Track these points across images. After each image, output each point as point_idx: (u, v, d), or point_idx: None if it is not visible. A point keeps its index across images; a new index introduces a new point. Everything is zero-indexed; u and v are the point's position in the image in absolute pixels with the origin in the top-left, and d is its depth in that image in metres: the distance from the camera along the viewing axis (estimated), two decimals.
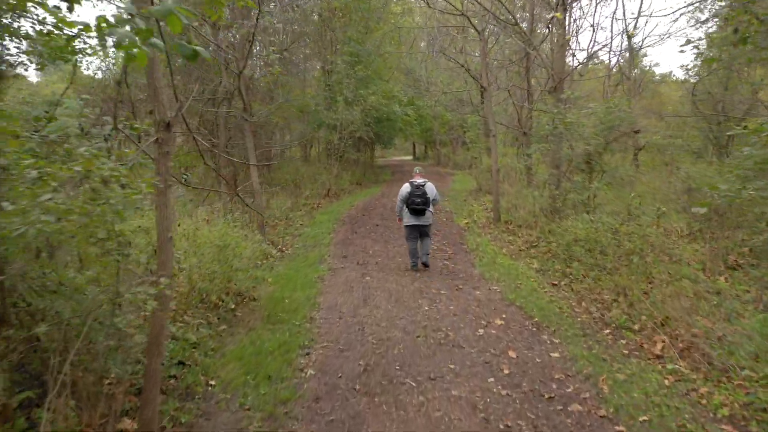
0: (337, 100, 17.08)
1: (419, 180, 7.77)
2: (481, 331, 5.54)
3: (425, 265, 8.00)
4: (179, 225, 6.35)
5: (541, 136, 18.76)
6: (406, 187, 7.74)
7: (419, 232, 7.87)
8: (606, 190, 8.61)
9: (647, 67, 26.03)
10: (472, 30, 12.48)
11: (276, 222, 11.62)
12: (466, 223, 11.99)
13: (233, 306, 6.08)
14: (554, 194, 9.31)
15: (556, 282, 7.42)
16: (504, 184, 15.68)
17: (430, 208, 7.74)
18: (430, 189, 7.74)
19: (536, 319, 5.92)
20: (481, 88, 11.79)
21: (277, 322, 5.76)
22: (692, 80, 16.31)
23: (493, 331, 5.53)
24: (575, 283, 7.25)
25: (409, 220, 7.74)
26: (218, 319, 5.75)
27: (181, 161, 15.72)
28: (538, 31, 15.02)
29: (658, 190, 9.78)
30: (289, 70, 18.24)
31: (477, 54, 16.54)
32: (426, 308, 6.20)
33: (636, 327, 5.63)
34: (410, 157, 47.64)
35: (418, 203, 7.54)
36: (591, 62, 16.61)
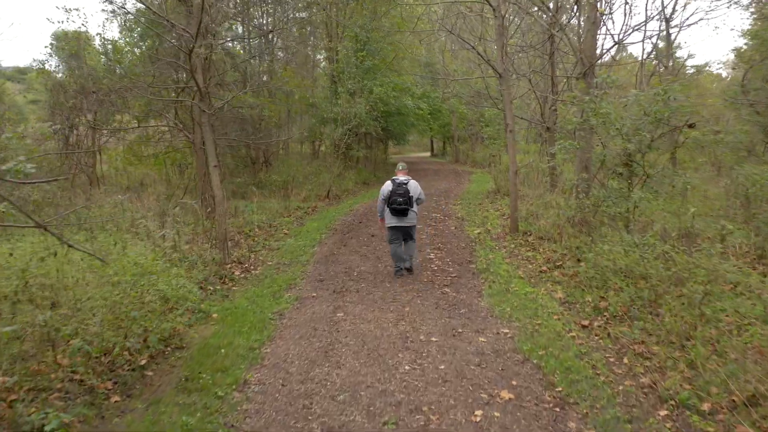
0: (338, 92, 15.45)
1: (402, 177, 7.19)
2: (480, 412, 3.81)
3: (409, 270, 7.44)
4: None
5: (567, 132, 16.86)
6: (387, 186, 7.15)
7: (402, 234, 7.23)
8: (651, 200, 6.79)
9: (682, 59, 23.74)
10: (490, 15, 10.77)
11: (254, 232, 10.01)
12: (479, 233, 10.23)
13: (144, 362, 4.47)
14: (583, 204, 7.52)
15: (587, 322, 5.65)
16: (524, 187, 13.87)
17: (414, 208, 7.14)
18: (414, 187, 7.13)
19: (560, 389, 4.18)
20: (498, 75, 10.00)
21: (195, 390, 4.12)
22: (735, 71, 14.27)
23: (497, 414, 3.80)
24: (613, 323, 5.49)
25: (390, 221, 7.13)
26: (115, 383, 4.14)
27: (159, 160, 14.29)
28: (566, 5, 13.13)
29: (713, 199, 7.90)
30: (281, 58, 16.67)
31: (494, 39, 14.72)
32: (406, 367, 4.50)
33: (705, 407, 3.85)
34: (428, 154, 45.78)
35: (399, 203, 6.93)
36: (623, 47, 14.61)
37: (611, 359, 4.77)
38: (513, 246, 9.17)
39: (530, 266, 7.95)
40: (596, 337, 5.27)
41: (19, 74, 38.24)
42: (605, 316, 5.76)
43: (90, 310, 4.04)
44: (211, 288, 6.61)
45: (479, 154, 28.62)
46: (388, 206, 7.07)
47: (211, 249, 7.52)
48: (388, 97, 17.01)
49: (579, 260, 7.82)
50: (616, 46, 9.65)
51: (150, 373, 4.39)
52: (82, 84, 11.99)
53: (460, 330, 5.37)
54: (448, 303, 6.23)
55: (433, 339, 5.11)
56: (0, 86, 15.52)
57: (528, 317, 5.76)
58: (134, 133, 14.15)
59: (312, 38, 22.90)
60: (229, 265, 7.49)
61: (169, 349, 4.86)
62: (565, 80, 14.50)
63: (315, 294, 6.52)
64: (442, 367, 4.50)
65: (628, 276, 5.93)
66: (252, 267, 7.79)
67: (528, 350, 4.88)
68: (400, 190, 6.99)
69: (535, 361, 4.66)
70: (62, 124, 12.35)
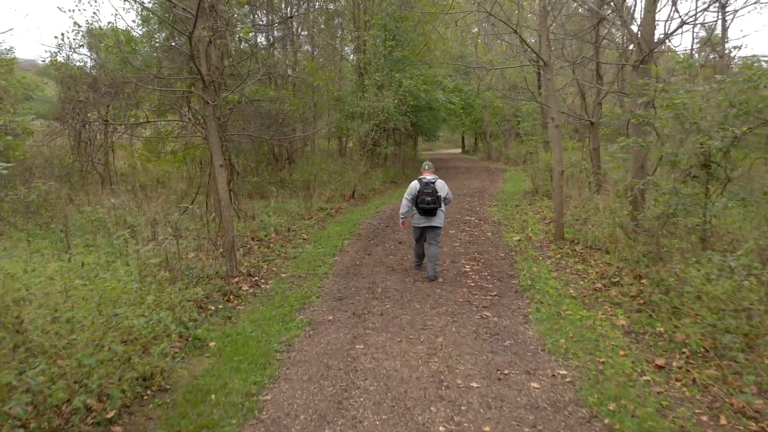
0: (365, 84, 14.48)
1: (429, 177, 7.01)
2: None
3: (432, 278, 6.97)
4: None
5: (617, 127, 15.53)
6: (414, 185, 6.98)
7: (429, 234, 7.05)
8: (737, 210, 5.63)
9: (734, 50, 21.97)
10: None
11: (271, 237, 9.12)
12: (518, 240, 9.15)
13: (112, 414, 3.58)
14: (649, 213, 6.39)
15: (662, 361, 4.57)
16: (566, 188, 12.67)
17: (443, 208, 7.00)
18: (441, 186, 6.97)
19: None
20: (540, 64, 8.88)
21: None
22: None
23: None
24: (695, 363, 4.40)
25: (419, 221, 7.01)
26: None
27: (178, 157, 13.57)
28: None
29: None
30: (307, 50, 15.78)
31: (536, 24, 13.52)
32: (441, 429, 3.51)
33: None
34: (459, 151, 44.52)
35: (428, 202, 6.76)
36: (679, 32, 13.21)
37: (703, 417, 3.69)
38: (559, 257, 8.08)
39: (582, 282, 6.86)
40: (678, 383, 4.18)
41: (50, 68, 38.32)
42: (684, 352, 4.67)
43: (29, 357, 3.15)
44: (213, 308, 5.72)
45: (512, 150, 27.30)
46: (416, 206, 6.90)
47: (215, 260, 6.65)
48: (418, 90, 15.97)
49: (639, 276, 6.72)
50: (680, 28, 8.42)
51: (117, 430, 3.50)
52: (94, 77, 11.29)
53: (506, 371, 4.34)
54: (489, 331, 5.20)
55: (474, 384, 4.10)
56: (19, 80, 14.98)
57: (588, 352, 4.71)
58: (147, 128, 13.46)
59: (340, 31, 21.98)
60: (236, 279, 6.61)
61: (149, 392, 3.97)
62: (618, 68, 13.19)
63: (331, 317, 5.56)
64: (487, 429, 3.49)
65: (716, 306, 4.81)
66: (263, 280, 6.88)
67: (594, 403, 3.83)
68: (428, 189, 6.80)
69: (606, 421, 3.61)
70: (74, 119, 11.69)
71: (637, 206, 8.32)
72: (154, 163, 15.43)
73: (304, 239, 9.33)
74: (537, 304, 5.98)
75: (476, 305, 5.94)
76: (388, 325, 5.34)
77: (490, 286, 6.66)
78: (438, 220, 6.93)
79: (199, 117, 9.34)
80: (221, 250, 6.86)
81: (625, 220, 7.72)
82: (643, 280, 6.57)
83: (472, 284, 6.71)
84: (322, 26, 21.13)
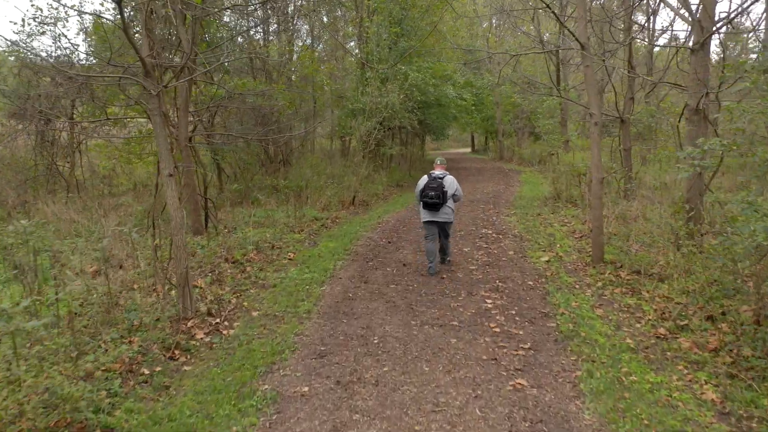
0: (367, 78, 12.94)
1: (438, 172, 7.06)
2: None
3: (446, 262, 7.49)
4: None
5: (643, 125, 13.87)
6: (423, 179, 7.00)
7: (438, 230, 7.09)
8: None
9: None
10: None
11: (248, 257, 7.59)
12: (547, 261, 7.59)
13: None
14: (694, 230, 4.84)
15: None
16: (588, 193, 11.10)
17: (450, 204, 6.99)
18: (449, 183, 6.94)
19: None
20: (578, 47, 7.31)
21: None
22: None
23: None
24: None
25: (424, 215, 7.01)
26: None
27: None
28: None
29: None
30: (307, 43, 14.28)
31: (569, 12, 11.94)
32: None
33: None
34: (468, 150, 42.85)
35: (431, 197, 6.77)
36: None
37: None
38: (600, 285, 6.52)
39: (638, 325, 5.30)
40: None
41: None
42: None
43: None
44: (147, 371, 4.20)
45: (527, 150, 25.67)
46: (421, 199, 6.91)
47: (162, 299, 5.13)
48: (425, 84, 14.39)
49: (713, 318, 5.17)
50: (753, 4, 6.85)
51: None
52: (57, 68, 9.81)
53: None
54: (529, 414, 3.65)
55: None
56: None
57: None
58: (127, 127, 11.98)
59: (342, 23, 20.42)
60: (190, 322, 5.09)
61: None
62: (669, 55, 11.59)
63: (307, 388, 4.01)
64: None
65: None
66: (226, 322, 5.33)
67: None
68: (434, 184, 6.81)
69: None
70: (34, 117, 10.22)
71: (696, 222, 6.78)
72: (136, 164, 13.98)
73: (290, 259, 7.79)
74: (587, 363, 4.41)
75: (505, 366, 4.38)
76: (385, 403, 3.79)
77: (521, 332, 5.09)
78: (442, 216, 6.89)
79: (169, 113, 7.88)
80: (169, 286, 5.34)
81: (681, 233, 6.18)
82: (722, 325, 5.02)
83: (497, 329, 5.15)
84: (324, 18, 19.64)
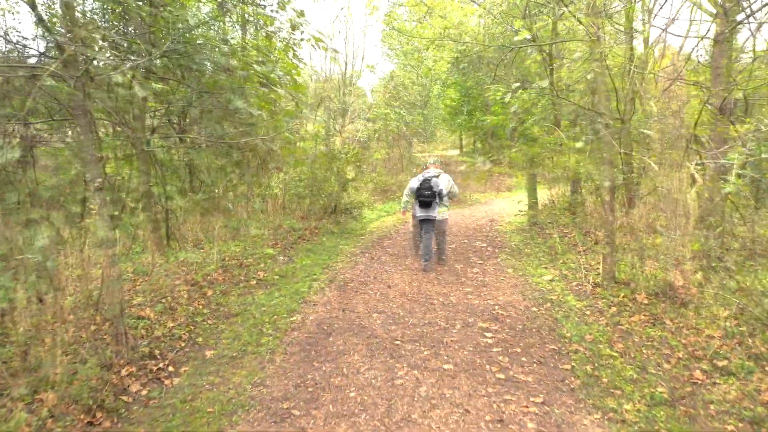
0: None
1: (432, 171, 7.37)
2: None
3: (440, 260, 7.68)
4: None
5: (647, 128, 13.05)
6: (418, 178, 7.28)
7: (433, 227, 7.29)
8: None
9: None
10: None
11: (211, 278, 6.61)
12: (551, 281, 6.71)
13: None
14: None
15: None
16: (596, 204, 10.26)
17: (446, 202, 7.43)
18: (444, 181, 7.36)
19: None
20: (592, 38, 6.44)
21: None
22: None
23: None
24: None
25: (419, 213, 7.24)
26: None
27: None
28: None
29: None
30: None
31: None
32: None
33: None
34: (457, 152, 42.05)
35: (426, 195, 7.06)
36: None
37: None
38: (615, 311, 5.65)
39: (667, 366, 4.42)
40: None
41: None
42: None
43: None
44: None
45: (518, 153, 24.86)
46: (416, 199, 7.18)
47: (93, 338, 4.16)
48: (413, 84, 13.49)
49: (757, 357, 4.32)
50: None
51: None
52: None
53: None
54: None
55: None
56: None
57: None
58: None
59: None
60: (125, 369, 4.11)
61: None
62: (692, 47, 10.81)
63: None
64: None
65: None
66: (171, 367, 4.36)
67: None
68: (426, 184, 7.07)
69: None
70: None
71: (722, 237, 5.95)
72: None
73: (259, 279, 6.83)
74: (615, 425, 3.52)
75: (515, 430, 3.47)
76: None
77: (529, 378, 4.18)
78: (433, 213, 7.15)
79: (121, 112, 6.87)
80: (98, 323, 4.36)
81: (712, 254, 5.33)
82: None
83: (501, 375, 4.24)
84: None
